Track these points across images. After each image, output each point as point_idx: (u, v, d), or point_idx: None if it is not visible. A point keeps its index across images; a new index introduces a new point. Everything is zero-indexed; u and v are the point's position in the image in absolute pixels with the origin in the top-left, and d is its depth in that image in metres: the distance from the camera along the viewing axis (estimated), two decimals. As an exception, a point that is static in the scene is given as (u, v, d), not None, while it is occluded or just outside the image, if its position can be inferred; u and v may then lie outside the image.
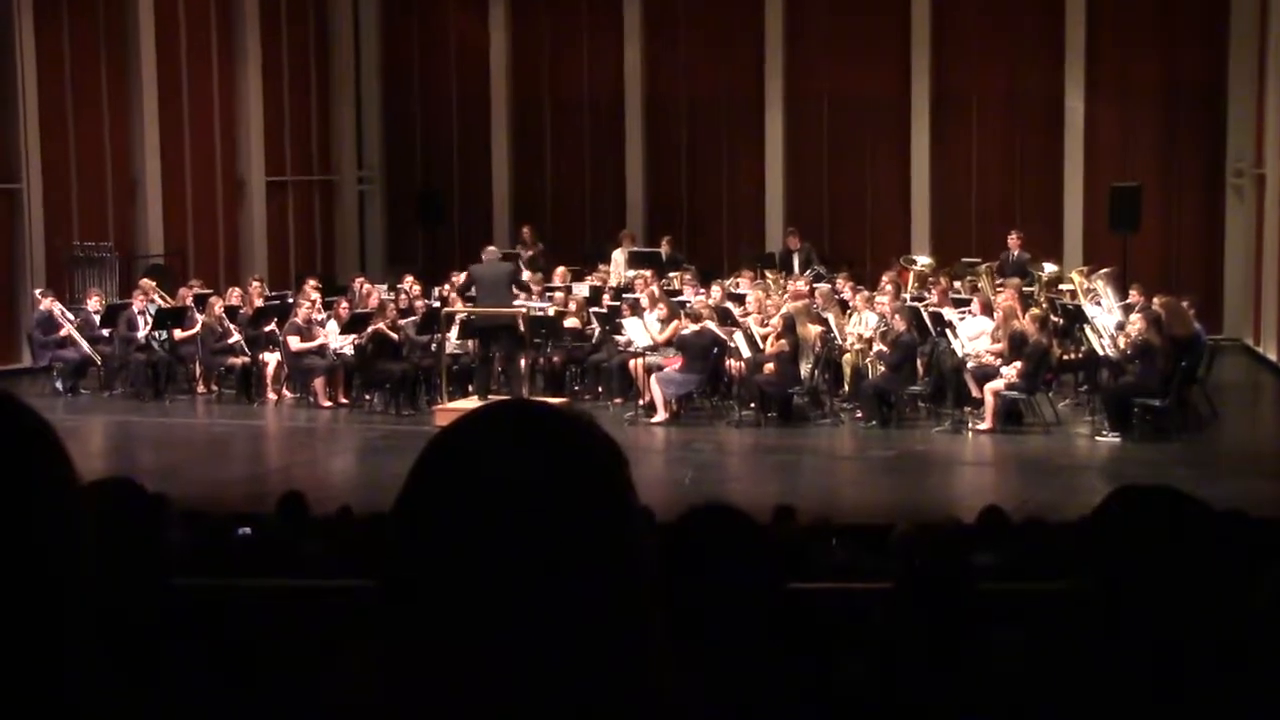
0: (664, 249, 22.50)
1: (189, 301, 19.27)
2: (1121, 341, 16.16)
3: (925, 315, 17.38)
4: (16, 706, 1.33)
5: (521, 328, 17.50)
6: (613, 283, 20.74)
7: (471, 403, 16.18)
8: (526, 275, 19.93)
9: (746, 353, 16.64)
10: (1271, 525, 7.76)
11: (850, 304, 18.14)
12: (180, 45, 23.24)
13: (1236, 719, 1.98)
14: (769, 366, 16.42)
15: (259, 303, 19.29)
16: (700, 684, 1.54)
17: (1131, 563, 2.02)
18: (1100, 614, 1.99)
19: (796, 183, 25.18)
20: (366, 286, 19.93)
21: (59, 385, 18.71)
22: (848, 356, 17.26)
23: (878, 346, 16.80)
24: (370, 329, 17.73)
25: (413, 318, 18.53)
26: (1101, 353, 16.55)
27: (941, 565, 4.45)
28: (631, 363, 17.35)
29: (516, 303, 18.09)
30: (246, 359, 18.34)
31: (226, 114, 24.12)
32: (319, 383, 17.75)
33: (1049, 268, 21.00)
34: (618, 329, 17.97)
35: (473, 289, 17.80)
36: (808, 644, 2.98)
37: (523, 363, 17.53)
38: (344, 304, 18.82)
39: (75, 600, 1.39)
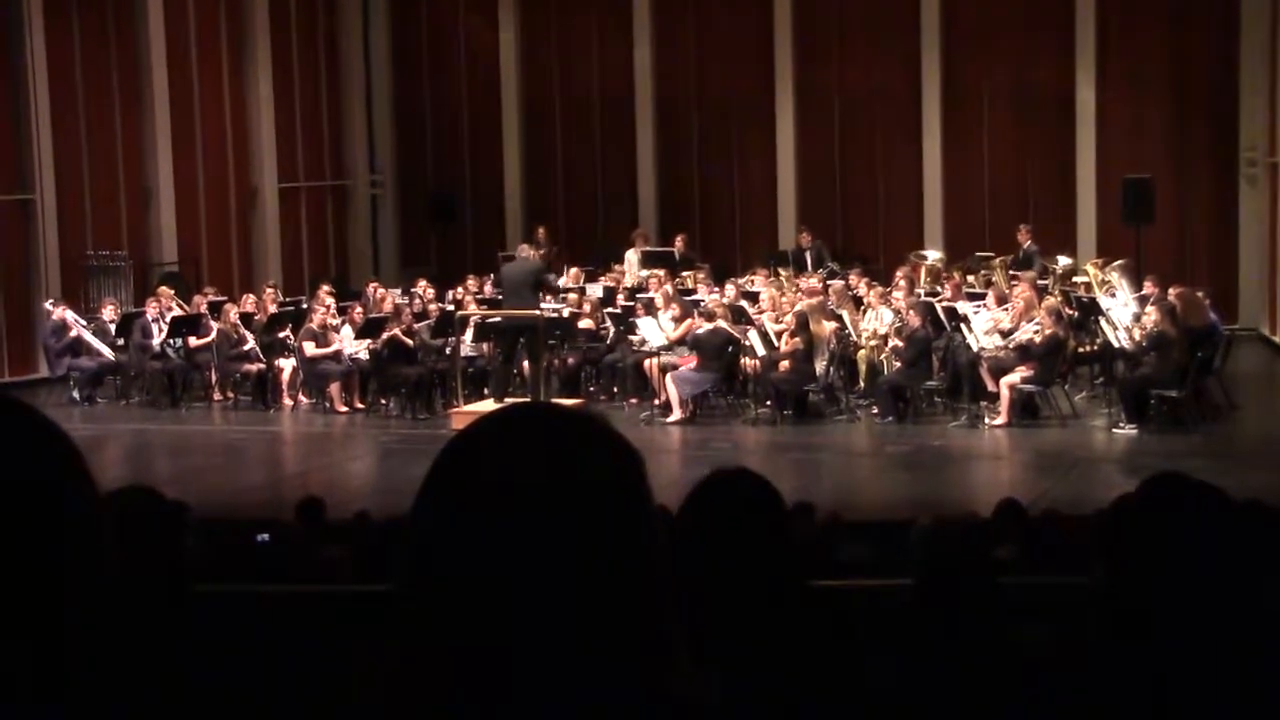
0: (678, 247, 22.47)
1: (203, 309, 19.26)
2: (1137, 333, 16.13)
3: (939, 310, 17.36)
4: (38, 714, 1.34)
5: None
6: (627, 283, 20.72)
7: (488, 406, 16.17)
8: (560, 278, 19.86)
9: (761, 351, 16.63)
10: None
11: (865, 300, 18.13)
12: (191, 53, 23.27)
13: (1258, 712, 1.97)
14: (784, 364, 16.41)
15: (273, 309, 19.30)
16: (716, 684, 1.54)
17: (1160, 554, 2.01)
18: (1126, 607, 1.98)
19: (808, 180, 25.14)
20: (380, 291, 19.93)
21: (75, 394, 18.74)
22: (862, 353, 17.25)
23: (893, 342, 16.79)
24: (385, 334, 17.74)
25: (427, 321, 18.53)
26: (1117, 345, 16.52)
27: (963, 560, 4.44)
28: (646, 362, 17.35)
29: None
30: (262, 366, 18.36)
31: (238, 121, 24.15)
32: (335, 388, 17.76)
33: (1062, 260, 20.97)
34: (632, 329, 17.96)
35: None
36: (826, 641, 2.98)
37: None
38: (358, 309, 18.82)
39: (97, 608, 1.39)
